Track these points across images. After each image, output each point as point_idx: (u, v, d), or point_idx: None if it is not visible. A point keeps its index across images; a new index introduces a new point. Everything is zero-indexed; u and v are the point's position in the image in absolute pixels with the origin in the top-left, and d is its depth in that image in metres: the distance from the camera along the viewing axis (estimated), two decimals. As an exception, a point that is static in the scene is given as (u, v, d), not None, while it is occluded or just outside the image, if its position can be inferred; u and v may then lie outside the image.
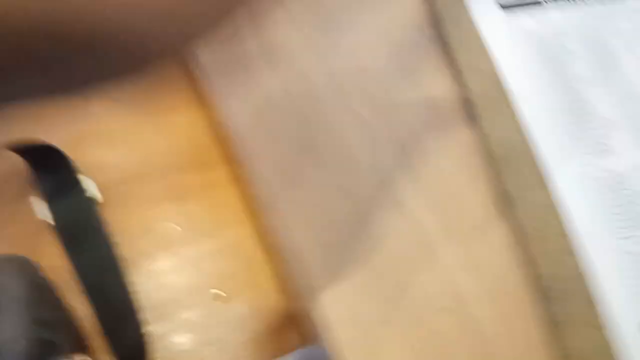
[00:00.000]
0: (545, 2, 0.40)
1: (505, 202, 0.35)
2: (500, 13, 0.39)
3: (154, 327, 0.32)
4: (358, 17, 0.38)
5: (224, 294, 0.34)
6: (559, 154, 0.35)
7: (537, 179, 0.35)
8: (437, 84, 0.37)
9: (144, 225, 0.35)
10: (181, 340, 0.33)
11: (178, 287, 0.34)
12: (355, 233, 0.34)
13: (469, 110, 0.36)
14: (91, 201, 0.33)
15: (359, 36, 0.38)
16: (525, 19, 0.39)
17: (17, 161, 0.32)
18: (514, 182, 0.35)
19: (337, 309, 0.32)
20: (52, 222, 0.32)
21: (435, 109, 0.37)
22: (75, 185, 0.33)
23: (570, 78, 0.38)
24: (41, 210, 0.32)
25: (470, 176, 0.35)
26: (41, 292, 0.27)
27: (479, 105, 0.36)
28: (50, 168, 0.33)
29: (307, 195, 0.34)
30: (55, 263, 0.31)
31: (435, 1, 0.38)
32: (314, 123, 0.35)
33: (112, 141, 0.36)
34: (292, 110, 0.36)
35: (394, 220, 0.34)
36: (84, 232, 0.32)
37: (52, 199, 0.32)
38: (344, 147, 0.35)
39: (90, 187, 0.33)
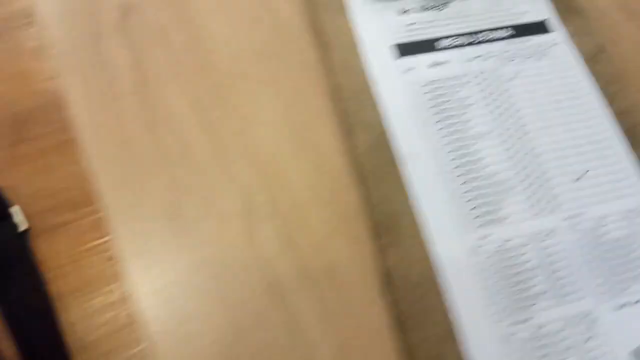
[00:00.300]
0: (442, 48, 0.41)
1: (385, 280, 0.35)
2: (395, 62, 0.40)
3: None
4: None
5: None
6: (448, 226, 0.35)
7: (421, 254, 0.35)
8: (325, 141, 0.39)
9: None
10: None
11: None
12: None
13: (359, 172, 0.37)
14: (16, 231, 0.31)
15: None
16: (422, 68, 0.40)
17: None
18: (396, 256, 0.35)
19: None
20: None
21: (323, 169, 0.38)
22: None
23: (464, 133, 0.38)
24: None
25: (356, 251, 0.36)
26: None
27: (367, 167, 0.37)
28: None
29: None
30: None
31: (332, 53, 0.40)
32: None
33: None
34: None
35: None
36: (8, 266, 0.30)
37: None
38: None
39: (17, 215, 0.31)
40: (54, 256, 0.34)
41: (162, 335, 0.33)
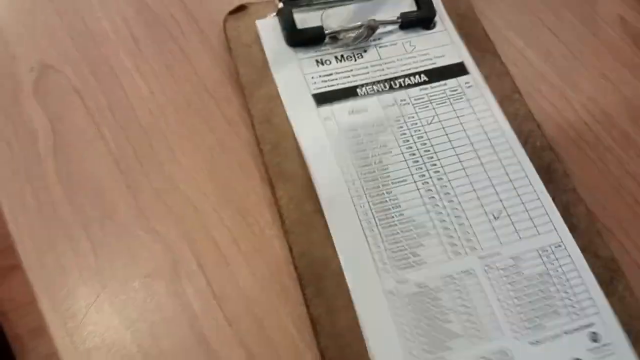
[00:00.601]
0: (361, 95, 0.42)
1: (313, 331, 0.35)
2: (316, 111, 0.41)
3: None
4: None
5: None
6: (367, 271, 0.36)
7: (345, 302, 0.35)
8: (250, 193, 0.39)
9: None
10: None
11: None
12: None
13: (284, 222, 0.37)
14: None
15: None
16: (342, 115, 0.41)
17: None
18: (321, 306, 0.35)
19: None
20: None
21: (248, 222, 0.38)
22: None
23: (384, 178, 0.39)
24: None
25: (284, 303, 0.36)
26: None
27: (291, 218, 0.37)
28: None
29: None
30: None
31: (253, 105, 0.41)
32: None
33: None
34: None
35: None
36: None
37: None
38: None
39: None
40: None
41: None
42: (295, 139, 0.40)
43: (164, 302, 0.35)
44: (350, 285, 0.35)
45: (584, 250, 0.38)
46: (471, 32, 0.46)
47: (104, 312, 0.34)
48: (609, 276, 0.37)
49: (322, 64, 0.43)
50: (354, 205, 0.38)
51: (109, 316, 0.34)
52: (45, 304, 0.35)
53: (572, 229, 0.38)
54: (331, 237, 0.36)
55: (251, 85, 0.42)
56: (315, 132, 0.40)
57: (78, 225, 0.37)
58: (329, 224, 0.37)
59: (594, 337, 0.35)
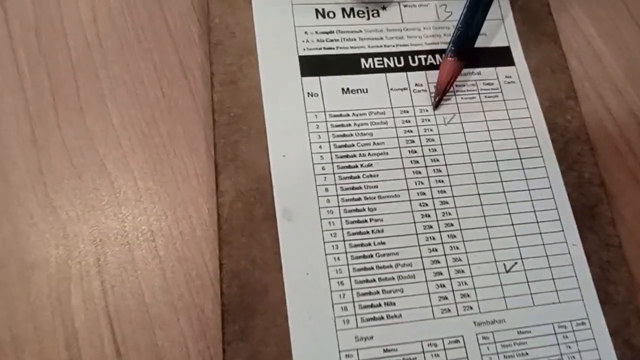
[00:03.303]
0: (363, 70, 0.32)
1: None
2: (298, 80, 0.31)
3: None
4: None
5: None
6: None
7: (277, 355, 0.26)
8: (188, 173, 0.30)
9: None
10: None
11: None
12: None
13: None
14: None
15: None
16: (332, 93, 0.31)
17: None
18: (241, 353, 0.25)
19: None
20: None
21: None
22: None
23: (369, 193, 0.29)
24: None
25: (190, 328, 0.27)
26: None
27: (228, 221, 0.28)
28: None
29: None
30: None
31: (218, 55, 0.31)
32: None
33: None
34: None
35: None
36: None
37: None
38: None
39: None
40: None
41: None
42: (263, 114, 0.29)
43: (41, 307, 0.26)
44: (292, 332, 0.26)
45: (614, 333, 0.28)
46: (529, 6, 0.35)
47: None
48: (641, 377, 0.28)
49: (324, 15, 0.32)
50: (321, 220, 0.28)
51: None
52: None
53: (605, 301, 0.29)
54: (280, 259, 0.27)
55: (222, 30, 0.31)
56: (292, 110, 0.30)
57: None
58: (280, 239, 0.27)
59: None
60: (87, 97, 0.30)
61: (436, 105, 0.31)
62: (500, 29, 0.34)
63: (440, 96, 0.31)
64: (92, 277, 0.27)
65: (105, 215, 0.28)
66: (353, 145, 0.30)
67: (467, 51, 0.32)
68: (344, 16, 0.32)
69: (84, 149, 0.29)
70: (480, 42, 0.33)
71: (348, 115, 0.30)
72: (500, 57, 0.33)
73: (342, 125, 0.30)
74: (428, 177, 0.29)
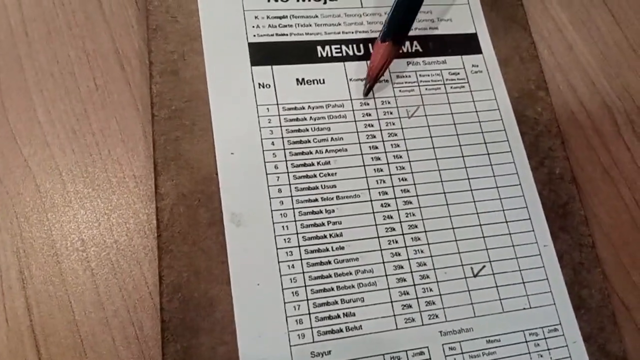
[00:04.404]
0: (319, 58, 0.29)
1: None
2: (248, 70, 0.28)
3: None
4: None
5: None
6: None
7: None
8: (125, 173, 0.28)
9: None
10: None
11: None
12: None
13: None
14: None
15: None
16: (284, 85, 0.28)
17: None
18: None
19: None
20: None
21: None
22: None
23: (326, 194, 0.26)
24: None
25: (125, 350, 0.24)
26: None
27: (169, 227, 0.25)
28: None
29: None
30: None
31: (158, 43, 0.28)
32: None
33: None
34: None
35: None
36: None
37: None
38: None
39: None
40: None
41: None
42: (209, 108, 0.27)
43: None
44: (241, 350, 0.23)
45: (588, 339, 0.26)
46: (498, -10, 0.33)
47: None
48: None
49: (275, -1, 0.30)
50: (273, 225, 0.25)
51: None
52: None
53: (579, 306, 0.27)
54: (227, 269, 0.24)
55: (162, 13, 0.28)
56: (241, 103, 0.27)
57: None
58: (228, 247, 0.25)
59: None
60: (10, 90, 0.27)
61: (367, 92, 0.28)
62: (466, 15, 0.31)
63: (372, 83, 0.28)
64: (15, 292, 0.24)
65: (30, 222, 0.25)
66: (309, 142, 0.27)
67: (403, 34, 0.29)
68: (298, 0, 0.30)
69: (5, 149, 0.26)
70: (445, 29, 0.30)
71: (303, 108, 0.28)
72: (467, 44, 0.31)
73: (297, 120, 0.27)
74: (390, 175, 0.27)
